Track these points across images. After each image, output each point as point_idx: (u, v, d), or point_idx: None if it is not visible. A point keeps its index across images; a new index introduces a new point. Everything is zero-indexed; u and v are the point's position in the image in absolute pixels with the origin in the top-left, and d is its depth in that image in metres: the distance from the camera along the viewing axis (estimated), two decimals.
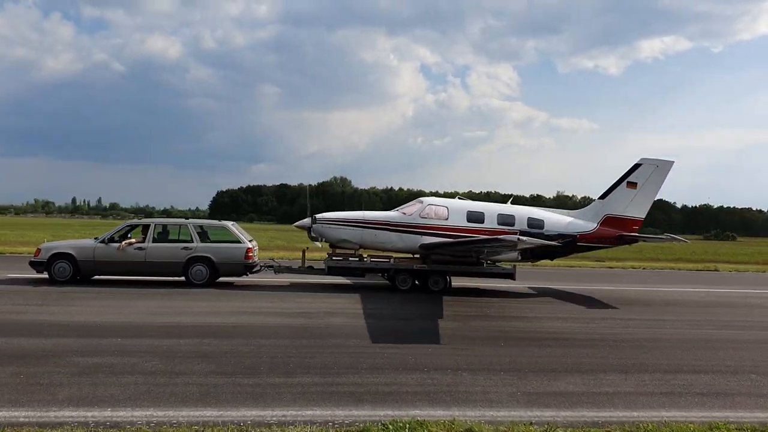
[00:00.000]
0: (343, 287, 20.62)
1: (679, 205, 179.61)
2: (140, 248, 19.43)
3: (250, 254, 19.99)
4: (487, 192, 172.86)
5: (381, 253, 21.78)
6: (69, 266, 19.24)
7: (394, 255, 21.43)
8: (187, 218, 23.59)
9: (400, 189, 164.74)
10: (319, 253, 22.91)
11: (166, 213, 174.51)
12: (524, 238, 17.98)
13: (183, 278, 19.59)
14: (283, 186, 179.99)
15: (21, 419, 6.99)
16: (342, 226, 20.62)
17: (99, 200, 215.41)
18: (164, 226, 20.53)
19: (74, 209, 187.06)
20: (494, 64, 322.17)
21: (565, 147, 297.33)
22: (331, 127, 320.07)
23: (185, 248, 19.65)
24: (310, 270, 20.92)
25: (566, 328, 14.33)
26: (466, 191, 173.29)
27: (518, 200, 25.21)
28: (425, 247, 20.19)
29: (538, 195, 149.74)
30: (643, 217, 22.54)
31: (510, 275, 20.82)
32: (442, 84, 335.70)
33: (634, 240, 22.49)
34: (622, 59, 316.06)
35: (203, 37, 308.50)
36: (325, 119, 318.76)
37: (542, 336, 13.17)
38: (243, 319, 13.77)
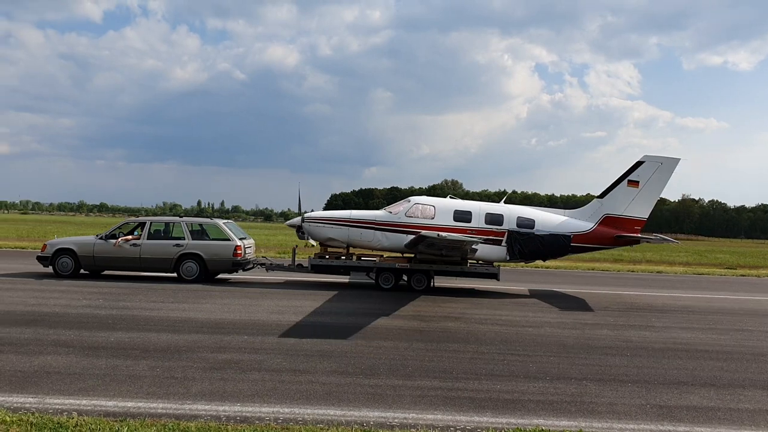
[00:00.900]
0: (458, 292, 20.52)
1: None
2: (135, 245, 20.33)
3: (239, 251, 20.45)
4: None
5: (375, 252, 21.62)
6: (71, 261, 20.42)
7: (385, 254, 21.30)
8: (212, 217, 23.77)
9: (513, 191, 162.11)
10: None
11: (284, 216, 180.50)
12: (445, 234, 17.85)
13: (174, 274, 20.44)
14: (394, 189, 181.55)
15: (159, 410, 7.39)
16: (329, 225, 20.77)
17: (222, 203, 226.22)
18: (159, 224, 21.35)
19: (199, 212, 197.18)
20: (614, 62, 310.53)
21: (691, 148, 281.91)
22: (443, 130, 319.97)
23: (177, 245, 20.37)
24: (300, 268, 21.05)
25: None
26: (585, 194, 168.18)
27: None
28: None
29: (660, 198, 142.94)
30: (646, 217, 21.49)
31: (494, 275, 20.47)
32: (559, 83, 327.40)
33: (634, 241, 21.41)
34: (754, 54, 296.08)
35: (319, 45, 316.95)
36: (437, 122, 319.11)
37: (669, 347, 12.53)
38: (359, 321, 13.96)
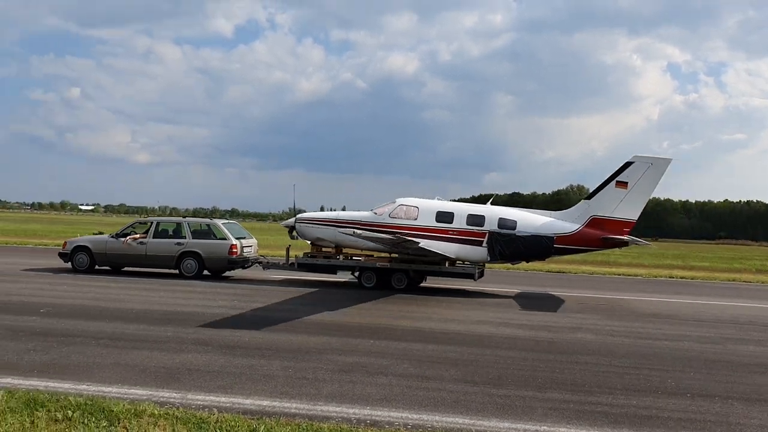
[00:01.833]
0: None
1: None
2: (142, 243, 21.78)
3: (234, 250, 21.49)
4: (747, 201, 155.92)
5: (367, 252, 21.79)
6: (86, 257, 21.99)
7: (375, 254, 21.52)
8: (212, 217, 24.86)
9: None
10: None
11: None
12: (360, 231, 18.52)
13: (176, 271, 21.54)
14: (516, 195, 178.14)
15: (293, 410, 7.58)
16: (318, 226, 21.23)
17: (344, 208, 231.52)
18: (164, 224, 22.80)
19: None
20: (755, 60, 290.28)
21: None
22: (567, 133, 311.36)
23: (178, 244, 21.68)
24: (293, 267, 21.49)
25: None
26: (722, 200, 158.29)
27: None
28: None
29: None
30: (635, 218, 20.77)
31: (470, 275, 20.48)
32: (693, 83, 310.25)
33: (622, 243, 20.94)
34: None
35: (439, 51, 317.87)
36: (561, 125, 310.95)
37: None
38: (485, 329, 13.79)
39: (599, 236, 20.48)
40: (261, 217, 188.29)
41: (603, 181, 20.96)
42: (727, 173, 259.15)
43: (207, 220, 23.60)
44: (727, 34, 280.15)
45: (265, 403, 7.80)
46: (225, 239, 21.81)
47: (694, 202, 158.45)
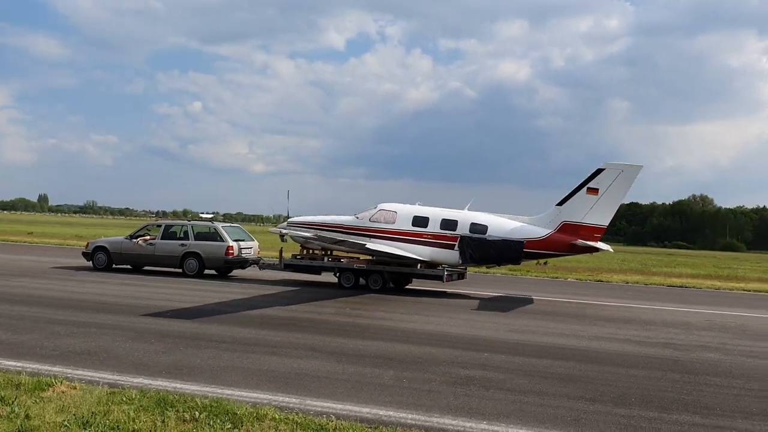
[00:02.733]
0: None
1: None
2: (151, 244, 23.64)
3: (230, 251, 23.14)
4: None
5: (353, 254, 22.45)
6: (105, 256, 24.02)
7: (361, 256, 22.30)
8: (213, 221, 25.95)
9: None
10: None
11: None
12: (295, 232, 21.21)
13: (180, 270, 23.20)
14: (634, 204, 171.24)
15: (408, 421, 7.54)
16: (306, 229, 22.12)
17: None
18: (171, 227, 24.39)
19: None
20: None
21: None
22: (689, 141, 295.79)
23: (182, 245, 23.42)
24: (287, 267, 22.54)
25: None
26: None
27: None
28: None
29: None
30: (606, 224, 21.13)
31: (438, 277, 21.08)
32: None
33: (591, 249, 21.14)
34: None
35: (551, 58, 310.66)
36: (681, 132, 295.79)
37: None
38: (603, 345, 13.25)
39: (569, 241, 20.84)
40: None
41: (574, 187, 21.25)
42: None
43: (209, 223, 25.01)
44: None
45: (381, 412, 7.81)
46: (222, 241, 23.35)
47: None
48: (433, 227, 21.52)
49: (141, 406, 7.32)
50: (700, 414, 8.44)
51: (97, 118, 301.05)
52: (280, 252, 22.92)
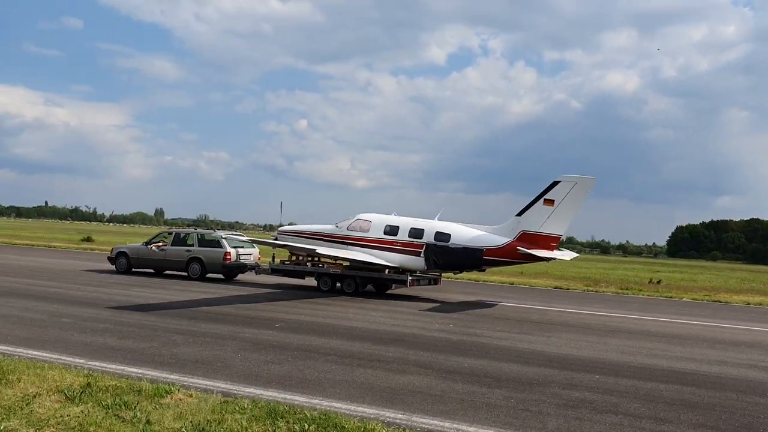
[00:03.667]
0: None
1: None
2: (163, 249, 26.16)
3: (228, 257, 25.37)
4: None
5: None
6: (125, 261, 26.67)
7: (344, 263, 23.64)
8: (214, 229, 29.60)
9: None
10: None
11: (622, 248, 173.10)
12: (280, 241, 24.23)
13: (186, 273, 25.71)
14: (754, 221, 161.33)
15: None
16: (293, 237, 24.39)
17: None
18: (180, 235, 26.98)
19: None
20: None
21: None
22: None
23: (188, 251, 25.89)
24: (274, 272, 24.58)
25: None
26: None
27: None
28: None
29: None
30: (561, 234, 22.26)
31: (402, 282, 22.39)
32: None
33: (545, 258, 22.02)
34: None
35: (662, 67, 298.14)
36: None
37: None
38: (724, 370, 12.48)
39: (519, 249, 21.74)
40: None
41: (532, 199, 22.24)
42: None
43: (211, 231, 28.51)
44: None
45: None
46: (221, 248, 25.52)
47: None
48: (403, 236, 23.06)
49: (253, 416, 7.50)
50: None
51: (209, 136, 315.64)
52: (273, 258, 25.84)
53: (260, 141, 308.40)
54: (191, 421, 7.20)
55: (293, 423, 7.33)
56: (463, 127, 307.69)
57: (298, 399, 8.55)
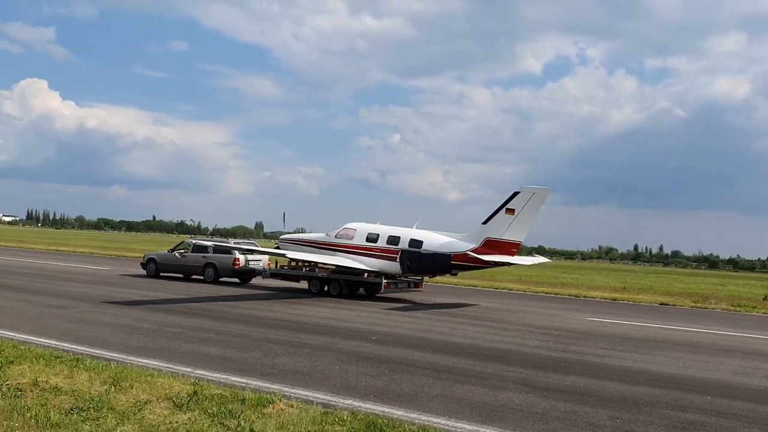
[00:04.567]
0: None
1: None
2: (184, 256, 29.17)
3: (237, 262, 28.05)
4: None
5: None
6: (154, 266, 29.76)
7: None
8: (228, 239, 36.15)
9: None
10: None
11: (732, 263, 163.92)
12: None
13: (202, 276, 28.54)
14: None
15: None
16: (292, 244, 26.77)
17: (660, 247, 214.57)
18: (198, 243, 29.68)
19: (636, 256, 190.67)
20: None
21: None
22: None
23: (204, 257, 28.74)
24: (273, 276, 27.45)
25: None
26: None
27: None
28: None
29: None
30: (521, 240, 23.82)
31: (377, 285, 24.49)
32: None
33: (505, 262, 23.56)
34: None
35: None
36: None
37: None
38: None
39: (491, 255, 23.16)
40: (568, 255, 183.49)
41: (496, 208, 23.81)
42: None
43: (224, 239, 32.60)
44: None
45: None
46: (231, 254, 28.05)
47: None
48: (382, 242, 24.84)
49: (352, 428, 7.54)
50: None
51: (305, 152, 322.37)
52: (275, 263, 28.29)
53: (354, 156, 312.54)
54: None
55: None
56: (559, 137, 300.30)
57: (396, 412, 8.53)
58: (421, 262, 24.09)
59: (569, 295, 32.02)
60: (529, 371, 12.01)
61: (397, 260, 24.33)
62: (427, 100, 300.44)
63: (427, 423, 8.05)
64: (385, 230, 25.39)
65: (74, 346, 11.88)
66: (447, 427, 7.98)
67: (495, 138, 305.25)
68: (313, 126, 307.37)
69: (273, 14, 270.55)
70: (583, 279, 50.24)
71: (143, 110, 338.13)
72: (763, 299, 34.34)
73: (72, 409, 7.66)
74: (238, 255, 28.25)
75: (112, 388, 8.61)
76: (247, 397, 8.55)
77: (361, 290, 25.70)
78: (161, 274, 29.75)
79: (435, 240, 24.32)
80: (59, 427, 7.07)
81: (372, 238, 25.11)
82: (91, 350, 11.59)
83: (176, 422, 7.42)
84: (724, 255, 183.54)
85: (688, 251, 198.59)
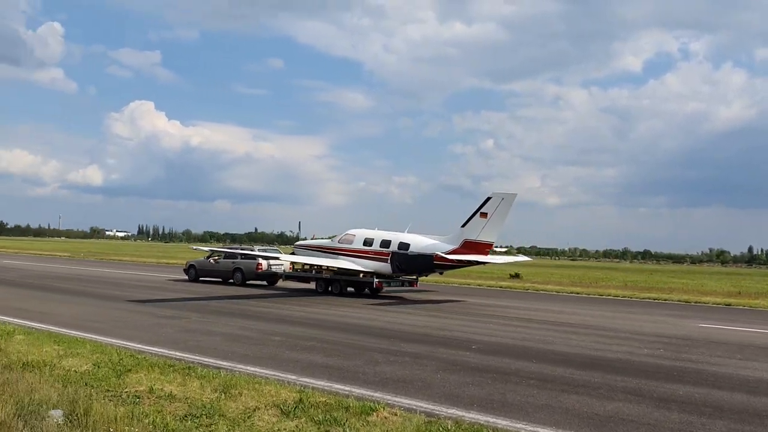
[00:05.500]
0: None
1: None
2: (217, 262, 32.91)
3: (259, 267, 30.85)
4: None
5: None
6: (194, 271, 33.39)
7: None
8: (253, 246, 40.33)
9: None
10: None
11: None
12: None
13: (231, 280, 31.89)
14: None
15: None
16: (304, 250, 29.78)
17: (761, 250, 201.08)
18: (229, 251, 33.61)
19: (750, 258, 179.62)
20: None
21: None
22: None
23: (233, 263, 32.05)
24: (286, 278, 30.65)
25: None
26: None
27: None
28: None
29: None
30: (494, 241, 26.46)
31: (370, 284, 27.03)
32: None
33: (478, 262, 26.49)
34: None
35: None
36: None
37: None
38: None
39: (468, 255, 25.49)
40: (676, 259, 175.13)
41: (472, 213, 26.02)
42: None
43: (248, 247, 36.48)
44: None
45: None
46: (254, 260, 30.96)
47: None
48: (376, 246, 27.30)
49: None
50: None
51: (398, 162, 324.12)
52: (292, 266, 30.28)
53: (447, 163, 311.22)
54: None
55: None
56: (662, 136, 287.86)
57: (501, 422, 8.39)
58: (408, 263, 26.59)
59: (679, 300, 30.60)
60: (639, 380, 11.53)
61: (388, 261, 26.86)
62: (522, 104, 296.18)
63: None
64: (379, 235, 28.07)
65: (185, 355, 12.41)
66: None
67: (594, 140, 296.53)
68: (405, 135, 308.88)
69: (364, 28, 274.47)
70: (693, 283, 47.81)
71: (243, 127, 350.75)
72: None
73: (186, 416, 7.99)
74: (261, 260, 31.15)
75: (223, 396, 8.91)
76: (352, 404, 8.63)
77: (366, 290, 28.10)
78: (200, 278, 33.27)
79: (420, 242, 26.88)
80: None
81: (368, 242, 27.78)
82: (200, 358, 12.07)
83: (284, 429, 7.59)
84: None
85: None
